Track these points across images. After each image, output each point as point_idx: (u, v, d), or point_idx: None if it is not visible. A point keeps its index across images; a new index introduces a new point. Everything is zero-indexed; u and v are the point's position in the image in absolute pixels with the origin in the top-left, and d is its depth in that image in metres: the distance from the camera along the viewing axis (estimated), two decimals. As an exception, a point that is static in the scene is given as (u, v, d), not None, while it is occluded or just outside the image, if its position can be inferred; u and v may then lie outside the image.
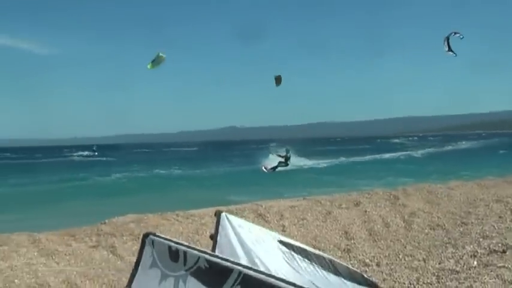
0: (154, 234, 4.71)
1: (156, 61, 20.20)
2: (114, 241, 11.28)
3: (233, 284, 4.10)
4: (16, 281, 8.72)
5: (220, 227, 5.90)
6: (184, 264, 4.38)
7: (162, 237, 4.67)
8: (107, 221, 12.54)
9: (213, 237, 5.94)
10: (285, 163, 46.26)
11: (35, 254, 10.54)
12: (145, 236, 4.74)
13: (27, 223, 16.23)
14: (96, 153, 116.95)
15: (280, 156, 46.90)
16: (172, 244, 4.53)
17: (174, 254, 4.46)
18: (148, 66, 20.54)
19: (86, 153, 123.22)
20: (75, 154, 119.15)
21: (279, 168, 45.82)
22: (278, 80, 21.24)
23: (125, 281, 5.47)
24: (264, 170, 45.50)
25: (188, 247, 4.46)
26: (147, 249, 4.69)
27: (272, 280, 3.96)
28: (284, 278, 4.19)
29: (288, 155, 47.00)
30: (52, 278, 8.91)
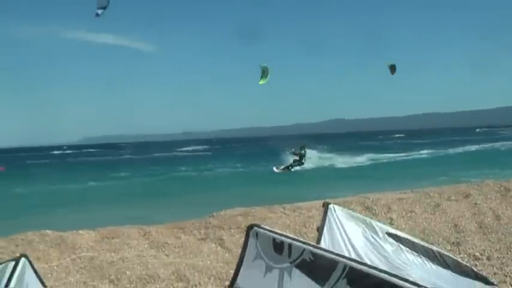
0: (259, 226, 4.72)
1: (265, 74, 20.35)
2: (222, 234, 11.43)
3: (339, 278, 4.04)
4: (127, 272, 9.00)
5: (327, 218, 5.88)
6: (289, 256, 4.37)
7: (266, 229, 4.68)
8: (214, 214, 12.73)
9: (319, 229, 5.92)
10: (300, 161, 43.83)
11: (145, 246, 10.85)
12: (250, 227, 4.76)
13: (138, 216, 16.69)
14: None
15: (294, 154, 44.45)
16: (277, 236, 4.52)
17: (279, 246, 4.45)
18: (261, 82, 20.72)
19: (191, 148, 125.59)
20: (181, 149, 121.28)
21: (296, 168, 43.47)
22: (393, 68, 21.01)
23: (232, 273, 5.55)
24: (276, 170, 43.31)
25: (292, 239, 4.45)
26: (252, 241, 4.71)
27: (379, 274, 3.87)
28: (391, 271, 4.11)
29: (303, 152, 44.39)
30: (162, 269, 9.14)
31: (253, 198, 19.02)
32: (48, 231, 11.31)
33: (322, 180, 35.47)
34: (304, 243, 4.39)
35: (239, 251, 4.83)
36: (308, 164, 46.34)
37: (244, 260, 4.74)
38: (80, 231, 11.50)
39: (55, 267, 9.45)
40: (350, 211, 6.45)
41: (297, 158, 43.68)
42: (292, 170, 43.17)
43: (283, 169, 43.12)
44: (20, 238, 10.95)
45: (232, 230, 11.48)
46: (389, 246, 6.00)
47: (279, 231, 4.66)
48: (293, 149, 45.11)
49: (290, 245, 4.37)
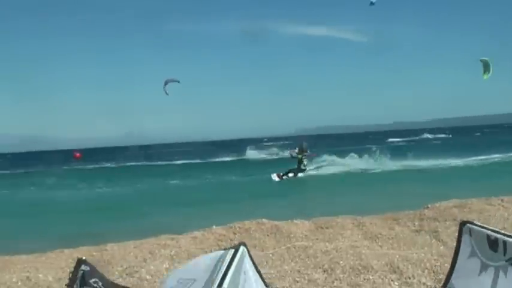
0: (471, 223, 4.58)
1: (488, 68, 19.57)
2: (437, 226, 11.20)
3: None
4: (341, 262, 9.06)
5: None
6: (504, 254, 4.18)
7: (479, 226, 4.52)
8: (429, 205, 12.54)
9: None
10: (298, 168, 37.09)
11: (359, 236, 10.91)
12: (462, 224, 4.63)
13: (351, 207, 16.77)
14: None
15: (292, 157, 38.03)
16: (490, 233, 4.34)
17: (493, 243, 4.27)
18: (485, 77, 20.02)
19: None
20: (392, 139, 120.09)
21: (300, 175, 37.24)
22: None
23: (447, 266, 5.41)
24: (276, 178, 37.05)
25: (506, 235, 4.26)
26: (465, 238, 4.57)
27: None
28: None
29: (300, 156, 37.43)
30: (375, 260, 9.10)
31: (469, 190, 18.35)
32: (265, 220, 11.77)
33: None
34: None
35: (454, 243, 4.71)
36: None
37: (458, 257, 4.62)
38: (295, 221, 11.86)
39: (270, 255, 9.77)
40: None
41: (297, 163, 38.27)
42: (298, 175, 37.80)
43: (283, 176, 37.86)
44: (238, 226, 11.49)
45: (448, 222, 11.20)
46: None
47: (491, 227, 4.47)
48: (296, 150, 38.85)
49: (505, 242, 4.18)
